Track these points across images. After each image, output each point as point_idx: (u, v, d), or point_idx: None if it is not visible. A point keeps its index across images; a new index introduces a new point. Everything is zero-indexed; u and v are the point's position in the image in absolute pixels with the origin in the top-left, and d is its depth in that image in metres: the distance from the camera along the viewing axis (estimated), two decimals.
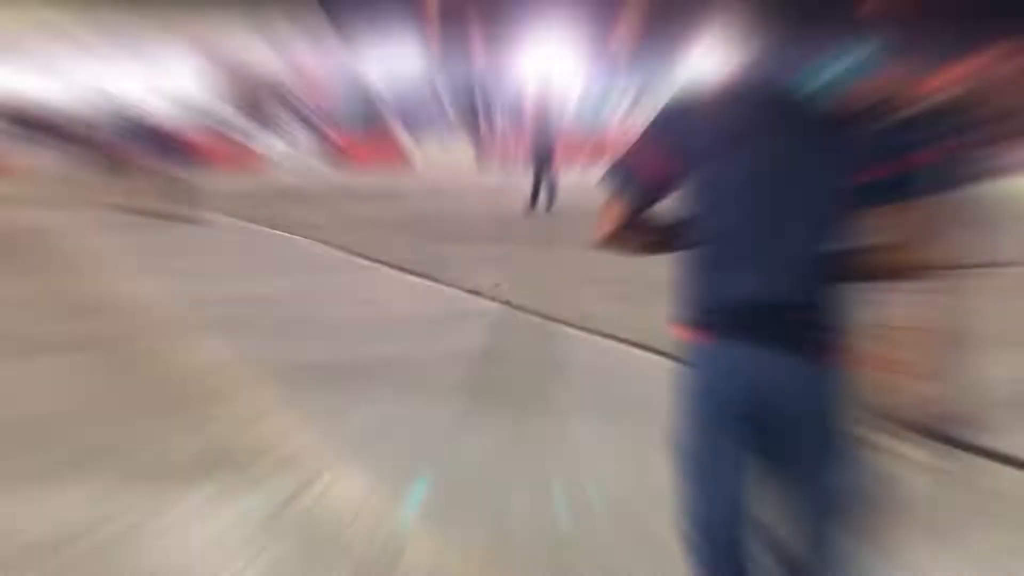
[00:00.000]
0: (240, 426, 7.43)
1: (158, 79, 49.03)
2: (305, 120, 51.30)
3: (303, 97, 53.20)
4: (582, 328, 10.61)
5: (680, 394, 3.40)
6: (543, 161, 24.59)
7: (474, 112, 53.42)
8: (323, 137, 49.42)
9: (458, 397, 8.15)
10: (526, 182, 25.42)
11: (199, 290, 13.26)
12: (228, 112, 51.62)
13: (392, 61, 55.55)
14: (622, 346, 9.71)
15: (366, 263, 15.70)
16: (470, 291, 12.93)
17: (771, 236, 3.24)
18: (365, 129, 52.64)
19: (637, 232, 3.51)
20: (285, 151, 47.65)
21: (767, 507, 3.30)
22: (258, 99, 53.42)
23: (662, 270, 3.53)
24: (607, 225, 3.49)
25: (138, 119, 25.69)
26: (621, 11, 53.26)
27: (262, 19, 53.58)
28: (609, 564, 5.10)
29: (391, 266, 15.11)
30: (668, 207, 3.42)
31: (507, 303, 12.11)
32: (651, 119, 3.45)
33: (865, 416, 3.26)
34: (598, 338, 10.17)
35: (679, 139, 3.36)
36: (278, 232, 20.29)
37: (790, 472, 3.26)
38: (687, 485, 3.38)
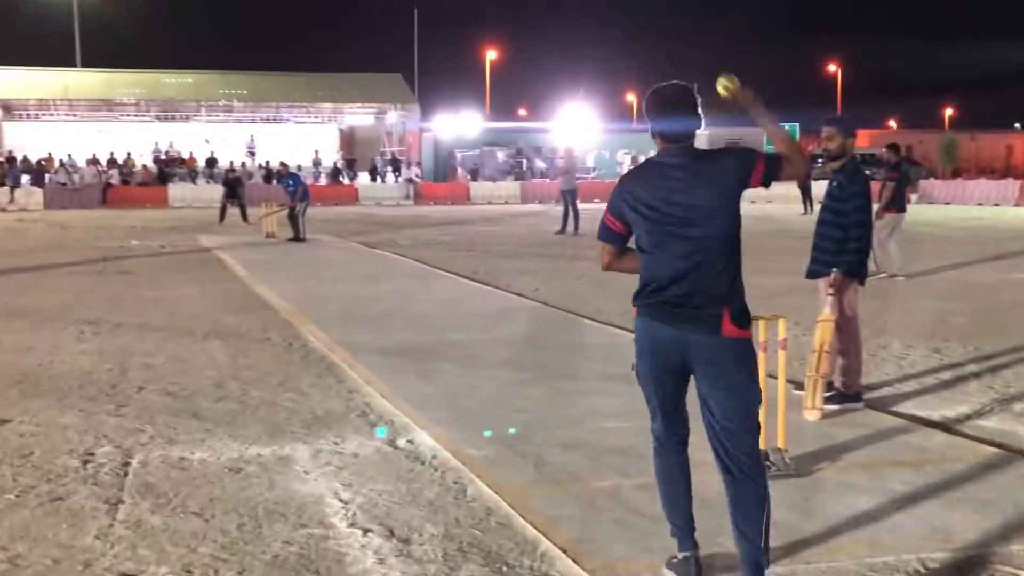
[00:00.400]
0: (351, 392, 7.71)
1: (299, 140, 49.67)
2: (396, 168, 51.60)
3: (396, 151, 53.61)
4: (596, 320, 10.84)
5: (639, 350, 4.11)
6: (569, 196, 24.79)
7: (519, 160, 53.61)
8: (409, 180, 49.65)
9: (507, 369, 8.36)
10: (557, 212, 25.60)
11: (321, 291, 13.61)
12: (344, 163, 52.08)
13: (459, 125, 55.95)
14: (624, 332, 9.90)
15: (440, 273, 15.83)
16: (516, 293, 13.16)
17: (684, 240, 3.92)
18: (438, 174, 53.06)
19: (623, 260, 4.24)
20: (381, 189, 47.85)
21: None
22: (364, 154, 53.99)
23: None
24: (604, 259, 4.27)
25: (281, 170, 26.87)
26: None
27: (372, 99, 54.24)
28: (607, 465, 5.38)
29: (458, 275, 15.21)
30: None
31: (543, 303, 12.35)
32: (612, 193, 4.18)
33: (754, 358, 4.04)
34: (608, 327, 10.37)
35: (618, 207, 4.10)
36: (376, 250, 20.57)
37: (710, 392, 3.95)
38: (649, 401, 4.15)
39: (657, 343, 4.02)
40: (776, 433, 5.58)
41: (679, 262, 3.92)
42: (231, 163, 43.69)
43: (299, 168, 37.37)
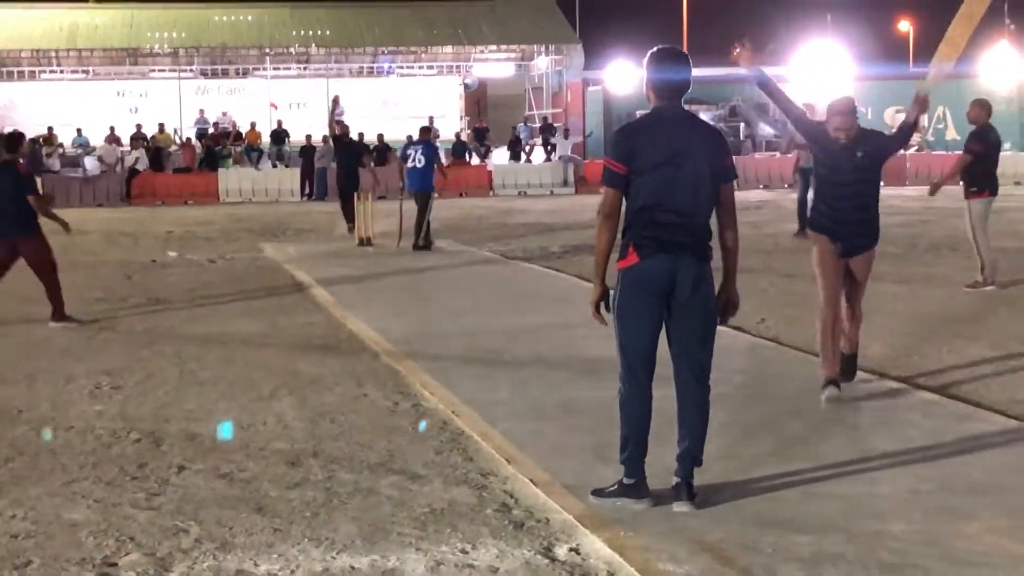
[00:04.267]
0: (485, 475, 7.69)
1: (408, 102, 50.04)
2: (549, 140, 51.28)
3: (549, 115, 53.47)
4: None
5: (621, 287, 6.81)
6: (810, 177, 24.39)
7: (734, 125, 53.09)
8: (568, 157, 49.48)
9: (724, 435, 8.26)
10: (792, 203, 25.19)
11: (441, 326, 13.65)
12: (471, 134, 52.00)
13: (642, 75, 55.46)
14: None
15: None
16: (733, 327, 12.94)
17: (682, 188, 6.70)
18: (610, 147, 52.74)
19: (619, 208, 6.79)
20: (526, 171, 47.74)
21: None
22: (501, 120, 53.96)
23: None
24: (609, 208, 6.77)
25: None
26: None
27: (512, 38, 54.10)
28: None
29: None
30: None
31: (774, 340, 12.17)
32: (611, 142, 7.04)
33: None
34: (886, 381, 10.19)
35: (624, 149, 6.81)
36: (521, 263, 20.59)
37: (688, 331, 6.81)
38: (622, 334, 6.88)
39: (656, 277, 6.84)
40: None
41: None
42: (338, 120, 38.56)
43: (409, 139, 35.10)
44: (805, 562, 5.90)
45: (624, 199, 6.75)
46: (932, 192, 15.89)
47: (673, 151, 6.68)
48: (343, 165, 28.01)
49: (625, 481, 6.83)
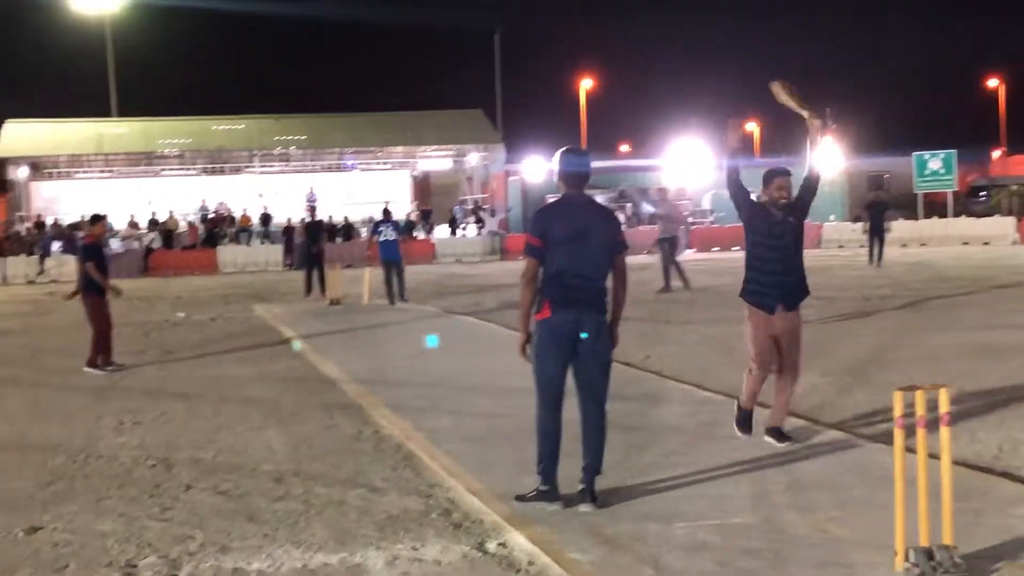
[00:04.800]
0: (431, 486, 7.69)
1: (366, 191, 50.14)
2: (479, 218, 51.68)
3: (479, 199, 53.85)
4: (722, 393, 10.70)
5: (538, 335, 6.86)
6: (667, 246, 24.59)
7: (622, 204, 53.55)
8: (494, 231, 49.83)
9: (619, 452, 8.27)
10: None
11: (396, 368, 13.59)
12: (418, 215, 52.33)
13: (551, 166, 55.96)
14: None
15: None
16: (623, 362, 13.01)
17: (588, 259, 6.83)
18: (528, 223, 53.06)
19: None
20: (462, 243, 48.03)
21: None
22: (441, 204, 54.31)
23: None
24: (530, 274, 6.87)
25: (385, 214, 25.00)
26: None
27: (449, 140, 54.50)
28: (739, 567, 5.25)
29: None
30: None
31: (656, 372, 12.19)
32: (531, 222, 7.11)
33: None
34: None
35: (540, 227, 6.93)
36: (459, 316, 20.58)
37: (588, 370, 6.87)
38: (539, 370, 6.91)
39: (565, 328, 6.87)
40: (943, 527, 5.40)
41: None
42: (311, 206, 40.36)
43: (371, 220, 35.33)
44: (684, 548, 5.93)
45: (541, 266, 6.88)
46: None
47: (579, 229, 6.82)
48: (307, 242, 27.32)
49: (541, 488, 6.89)
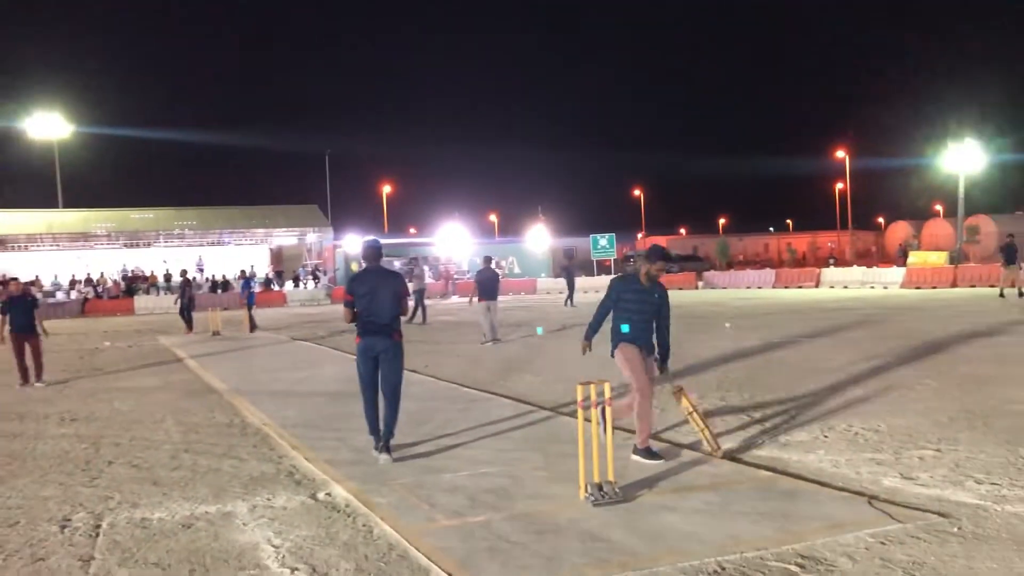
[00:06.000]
0: (280, 457, 7.45)
1: (238, 258, 48.34)
2: (315, 276, 50.88)
3: (315, 263, 52.85)
4: (474, 388, 10.74)
5: (359, 350, 6.93)
6: (418, 296, 23.79)
7: (411, 267, 53.41)
8: (325, 285, 48.99)
9: (404, 433, 8.22)
10: (438, 306, 25.35)
11: (257, 377, 13.12)
12: (274, 274, 51.13)
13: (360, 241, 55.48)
14: (493, 397, 9.90)
15: (351, 357, 15.43)
16: (410, 369, 12.97)
17: (379, 306, 6.90)
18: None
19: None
20: (303, 292, 47.01)
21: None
22: (290, 266, 53.07)
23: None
24: (347, 317, 7.04)
25: (221, 282, 24.82)
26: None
27: (295, 224, 53.52)
28: (483, 503, 5.30)
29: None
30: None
31: (433, 376, 12.19)
32: (346, 282, 7.35)
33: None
34: (476, 391, 10.30)
35: (350, 287, 6.99)
36: (301, 342, 20.08)
37: (385, 373, 6.92)
38: (361, 378, 6.97)
39: (370, 348, 6.95)
40: (607, 469, 5.60)
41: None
42: (183, 271, 38.56)
43: (244, 275, 34.63)
44: (447, 490, 5.92)
45: (353, 310, 7.03)
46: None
47: (375, 287, 6.97)
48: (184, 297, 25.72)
49: (375, 442, 7.03)
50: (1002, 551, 4.45)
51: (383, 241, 8.14)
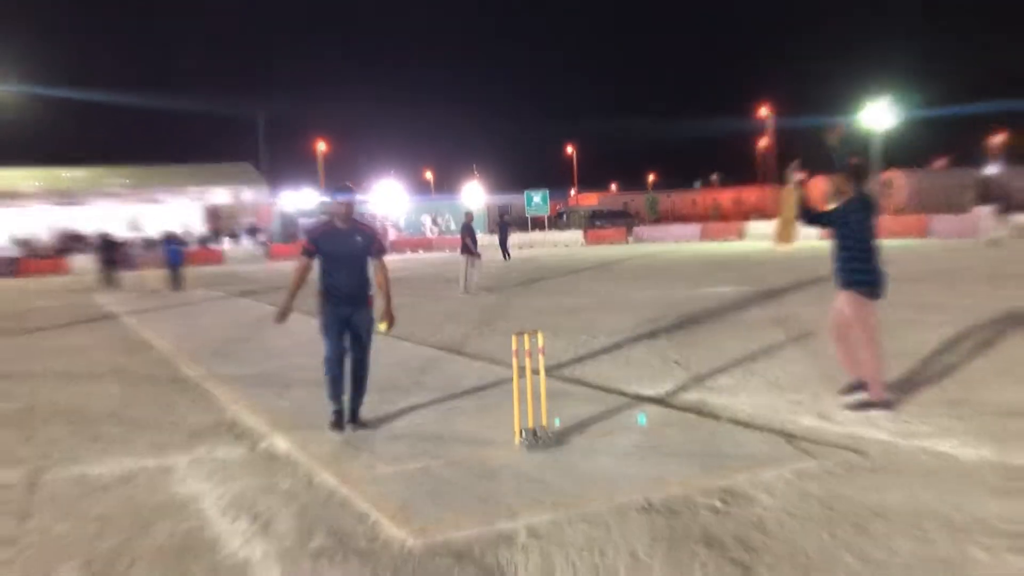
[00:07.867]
0: (219, 411, 7.37)
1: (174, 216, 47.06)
2: (252, 233, 49.96)
3: (252, 221, 51.87)
4: (410, 341, 10.72)
5: (323, 314, 6.11)
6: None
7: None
8: (262, 243, 48.14)
9: None
10: None
11: (195, 334, 12.88)
12: (210, 232, 50.06)
13: (300, 199, 54.69)
14: (432, 350, 9.89)
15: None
16: None
17: (349, 267, 6.11)
18: (284, 238, 51.45)
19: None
20: (240, 251, 46.16)
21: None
22: (226, 224, 51.96)
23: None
24: (300, 272, 6.16)
25: (156, 239, 24.42)
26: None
27: (229, 182, 52.38)
28: (422, 451, 5.35)
29: (303, 313, 14.70)
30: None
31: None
32: (307, 230, 6.37)
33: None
34: (421, 347, 10.28)
35: (313, 237, 6.15)
36: (238, 299, 19.74)
37: (355, 334, 6.15)
38: (327, 342, 6.11)
39: (338, 313, 6.11)
40: (541, 415, 5.67)
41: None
42: (103, 232, 31.77)
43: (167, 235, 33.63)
44: (388, 439, 5.92)
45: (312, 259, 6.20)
46: None
47: (344, 246, 6.12)
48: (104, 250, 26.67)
49: (335, 409, 6.22)
50: (909, 483, 4.65)
51: (320, 199, 7.77)
